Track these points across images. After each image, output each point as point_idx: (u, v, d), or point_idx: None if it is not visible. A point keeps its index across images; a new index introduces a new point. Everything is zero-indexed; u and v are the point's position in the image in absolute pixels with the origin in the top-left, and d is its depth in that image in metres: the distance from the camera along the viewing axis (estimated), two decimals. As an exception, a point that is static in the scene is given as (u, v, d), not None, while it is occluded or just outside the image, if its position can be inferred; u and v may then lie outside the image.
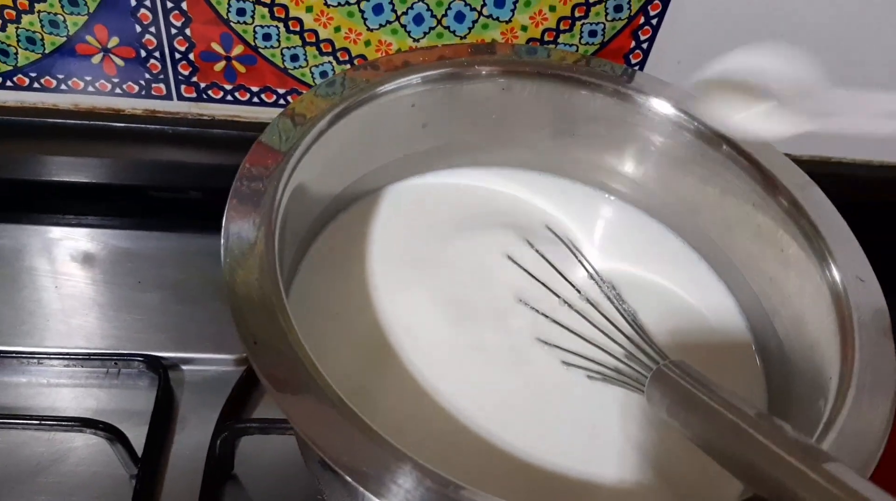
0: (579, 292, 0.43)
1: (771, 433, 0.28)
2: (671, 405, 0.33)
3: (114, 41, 0.52)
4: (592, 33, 0.53)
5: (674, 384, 0.33)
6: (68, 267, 0.56)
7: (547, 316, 0.42)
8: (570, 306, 0.42)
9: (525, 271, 0.44)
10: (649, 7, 0.51)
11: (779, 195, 0.40)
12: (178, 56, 0.53)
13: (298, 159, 0.38)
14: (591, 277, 0.43)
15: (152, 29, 0.52)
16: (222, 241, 0.34)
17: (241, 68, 0.54)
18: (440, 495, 0.27)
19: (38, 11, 0.50)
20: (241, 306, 0.32)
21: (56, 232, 0.59)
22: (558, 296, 0.43)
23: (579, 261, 0.45)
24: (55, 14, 0.51)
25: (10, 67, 0.54)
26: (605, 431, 0.38)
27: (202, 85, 0.55)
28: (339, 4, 0.50)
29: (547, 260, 0.44)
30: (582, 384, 0.40)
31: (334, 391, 0.30)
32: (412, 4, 0.50)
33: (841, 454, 0.30)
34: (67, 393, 0.50)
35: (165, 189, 0.60)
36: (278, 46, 0.53)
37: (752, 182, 0.41)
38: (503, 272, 0.44)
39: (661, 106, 0.44)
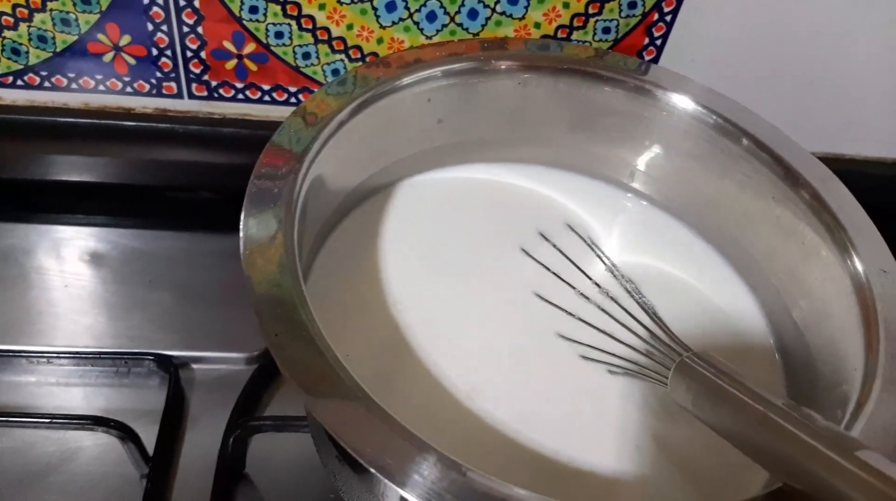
0: (599, 286, 0.43)
1: (801, 422, 0.28)
2: (696, 397, 0.33)
3: (125, 39, 0.52)
4: (606, 30, 0.53)
5: (699, 375, 0.33)
6: (78, 267, 0.56)
7: (566, 311, 0.42)
8: (589, 300, 0.42)
9: (543, 265, 0.44)
10: (663, 4, 0.51)
11: (800, 188, 0.40)
12: (189, 54, 0.53)
13: (316, 154, 0.38)
14: (610, 271, 0.42)
15: (164, 27, 0.51)
16: (241, 235, 0.34)
17: (252, 66, 0.54)
18: (464, 486, 0.27)
19: (51, 10, 0.50)
20: (261, 300, 0.32)
21: (65, 231, 0.58)
22: (577, 291, 0.43)
23: (597, 256, 0.44)
24: (67, 12, 0.51)
25: (21, 66, 0.54)
26: (624, 425, 0.38)
27: (213, 83, 0.55)
28: (352, 2, 0.50)
29: (565, 255, 0.44)
30: (601, 378, 0.39)
31: (356, 382, 0.29)
32: (425, 2, 0.50)
33: (869, 442, 0.30)
34: (77, 393, 0.49)
35: (176, 188, 0.60)
36: (290, 44, 0.53)
37: (773, 176, 0.41)
38: (520, 267, 0.44)
39: (680, 100, 0.44)
